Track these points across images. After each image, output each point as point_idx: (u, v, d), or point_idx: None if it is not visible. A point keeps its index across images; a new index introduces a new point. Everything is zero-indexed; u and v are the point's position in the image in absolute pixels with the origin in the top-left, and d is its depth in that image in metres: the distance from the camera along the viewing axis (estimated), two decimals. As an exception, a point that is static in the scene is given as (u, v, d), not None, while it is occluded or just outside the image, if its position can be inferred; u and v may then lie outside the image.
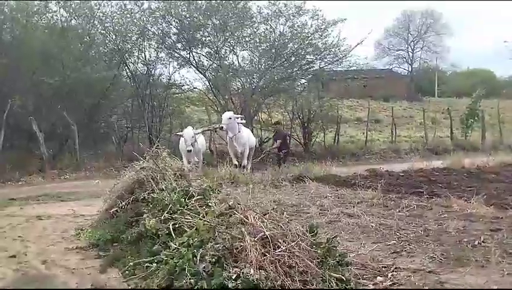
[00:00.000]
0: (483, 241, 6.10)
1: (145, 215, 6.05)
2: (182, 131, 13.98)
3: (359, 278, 4.87)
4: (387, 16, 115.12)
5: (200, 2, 19.73)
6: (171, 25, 20.20)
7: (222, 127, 13.53)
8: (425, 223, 7.23)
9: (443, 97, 53.48)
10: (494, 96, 39.71)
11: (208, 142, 15.86)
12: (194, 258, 4.56)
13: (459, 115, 26.85)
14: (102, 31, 19.55)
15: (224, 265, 4.46)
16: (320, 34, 20.30)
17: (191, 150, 12.98)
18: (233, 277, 4.28)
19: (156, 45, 20.31)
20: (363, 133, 24.91)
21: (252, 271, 4.31)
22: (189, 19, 19.67)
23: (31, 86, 17.42)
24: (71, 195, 11.83)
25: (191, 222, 5.42)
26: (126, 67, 20.32)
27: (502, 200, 8.85)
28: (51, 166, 16.26)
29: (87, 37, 18.82)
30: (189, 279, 4.42)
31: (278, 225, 4.96)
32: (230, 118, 13.33)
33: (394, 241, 6.32)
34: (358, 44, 20.77)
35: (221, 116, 18.48)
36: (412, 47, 60.80)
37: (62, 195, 11.84)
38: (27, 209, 9.88)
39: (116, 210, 7.03)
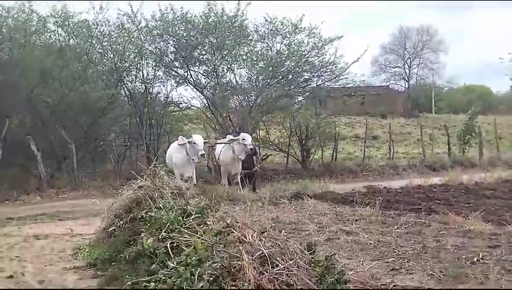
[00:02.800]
0: (481, 258, 6.09)
1: (142, 235, 6.04)
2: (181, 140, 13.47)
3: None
4: (386, 28, 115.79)
5: (197, 20, 19.86)
6: (168, 43, 20.37)
7: (252, 149, 13.59)
8: (424, 240, 7.22)
9: (440, 113, 53.65)
10: (491, 112, 39.83)
11: (207, 160, 15.84)
12: (192, 277, 4.54)
13: (457, 131, 26.89)
14: (100, 50, 19.65)
15: (222, 284, 4.44)
16: (317, 51, 20.42)
17: (204, 155, 12.83)
18: (231, 296, 4.27)
19: (153, 64, 20.38)
20: (361, 149, 24.94)
21: (250, 290, 4.30)
22: (186, 38, 19.80)
23: (28, 105, 17.44)
24: (69, 214, 11.78)
25: (188, 240, 5.40)
26: (124, 85, 20.36)
27: (499, 217, 8.84)
28: (49, 185, 16.20)
29: (85, 56, 18.83)
30: (188, 298, 4.40)
31: (276, 243, 4.95)
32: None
33: (393, 259, 6.31)
34: (354, 62, 20.85)
35: (219, 133, 18.62)
36: (409, 64, 61.09)
37: (60, 214, 11.78)
38: (25, 228, 9.85)
39: (114, 229, 7.03)
